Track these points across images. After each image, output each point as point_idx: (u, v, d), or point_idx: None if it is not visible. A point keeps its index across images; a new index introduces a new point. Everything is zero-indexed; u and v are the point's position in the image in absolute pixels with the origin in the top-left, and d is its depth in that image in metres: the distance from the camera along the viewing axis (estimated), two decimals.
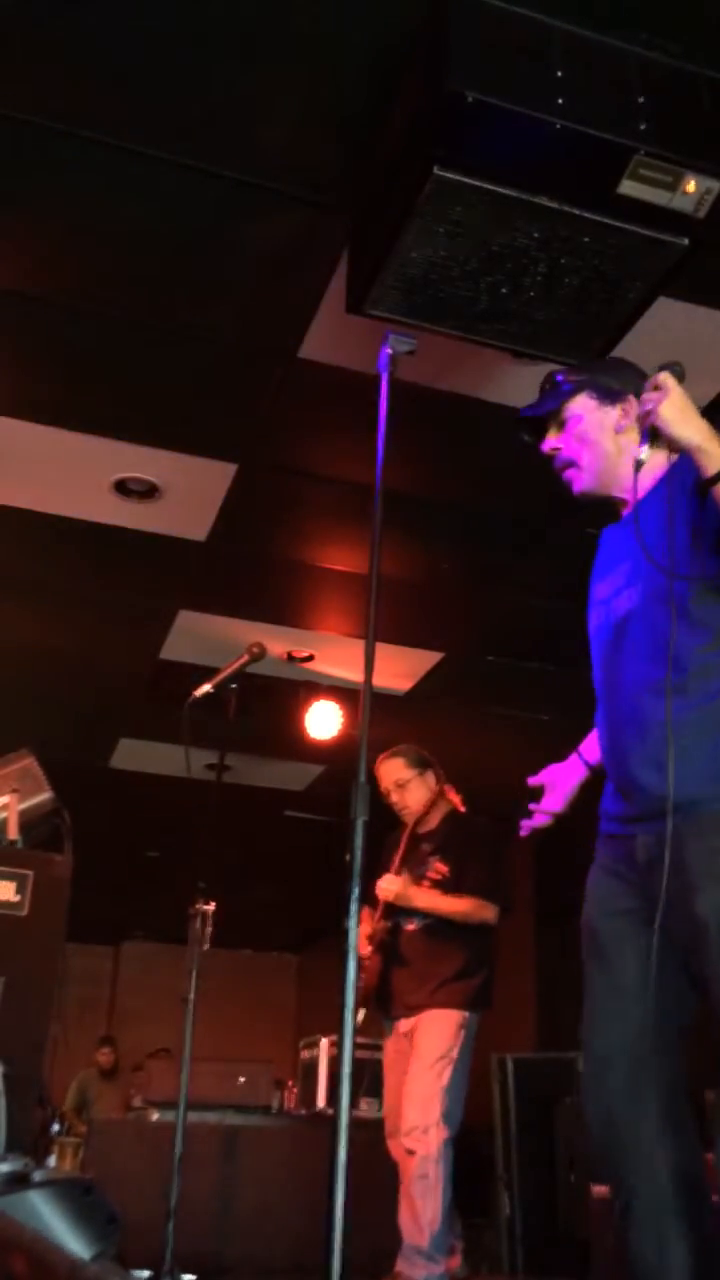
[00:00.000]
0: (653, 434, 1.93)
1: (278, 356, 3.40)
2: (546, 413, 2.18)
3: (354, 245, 2.87)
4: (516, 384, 3.45)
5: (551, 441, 2.18)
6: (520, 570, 4.55)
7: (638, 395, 2.02)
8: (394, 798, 3.85)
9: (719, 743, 1.89)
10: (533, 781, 2.33)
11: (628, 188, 2.35)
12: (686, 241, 2.49)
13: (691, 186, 2.35)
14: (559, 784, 2.32)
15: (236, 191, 2.79)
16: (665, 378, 1.90)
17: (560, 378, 2.18)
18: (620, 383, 2.15)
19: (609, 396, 2.14)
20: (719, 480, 1.84)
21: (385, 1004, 3.75)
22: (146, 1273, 3.18)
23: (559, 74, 2.25)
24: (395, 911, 3.75)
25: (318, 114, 2.59)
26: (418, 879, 3.75)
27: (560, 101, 2.23)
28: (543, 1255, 4.47)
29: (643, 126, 2.29)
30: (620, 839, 2.02)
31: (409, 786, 3.85)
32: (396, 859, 3.78)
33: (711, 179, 2.36)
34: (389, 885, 3.69)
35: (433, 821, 3.86)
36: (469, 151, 2.30)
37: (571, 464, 2.15)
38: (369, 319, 2.79)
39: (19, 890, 3.98)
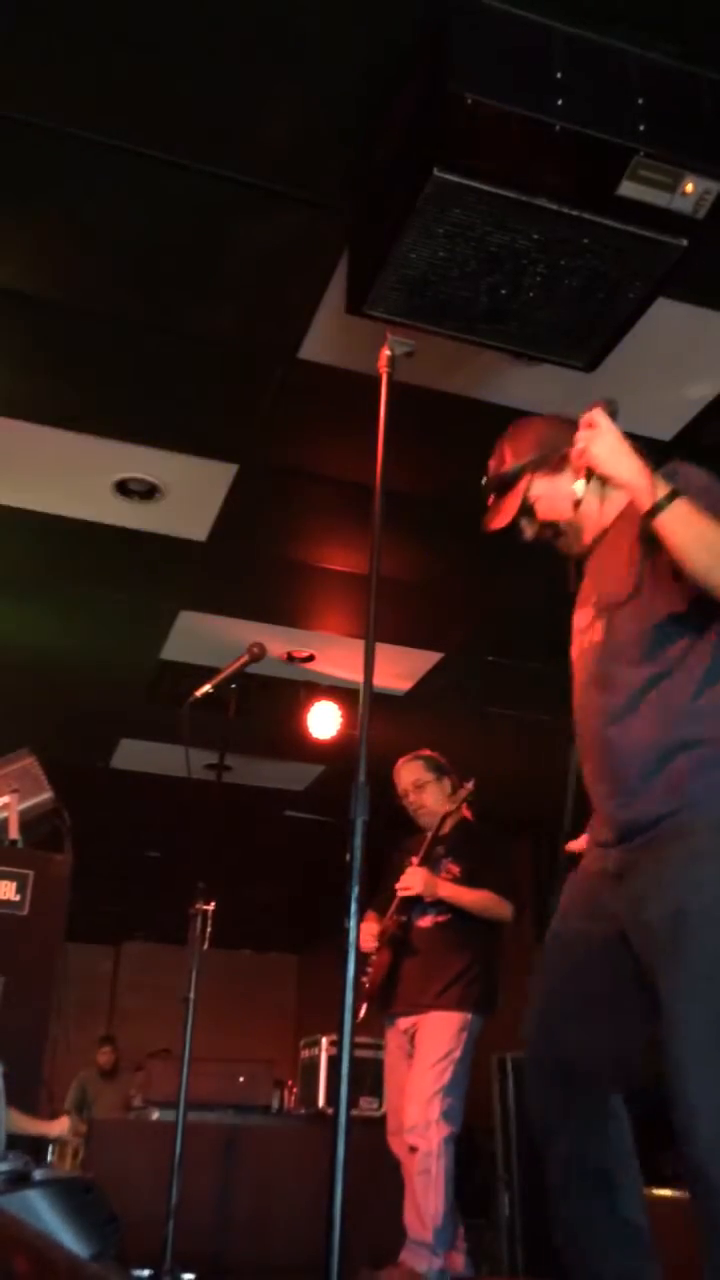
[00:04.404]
0: (588, 471, 1.98)
1: (278, 357, 3.40)
2: (515, 517, 2.23)
3: (354, 245, 2.87)
4: (516, 384, 3.45)
5: (533, 530, 2.25)
6: (520, 570, 4.55)
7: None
8: (411, 798, 3.96)
9: (675, 764, 1.91)
10: (575, 848, 2.30)
11: (627, 189, 2.36)
12: (686, 242, 2.49)
13: (690, 187, 2.36)
14: None
15: (236, 191, 2.79)
16: (598, 415, 1.95)
17: (503, 471, 2.23)
18: (556, 442, 2.18)
19: (553, 465, 2.18)
20: (655, 515, 1.86)
21: (388, 1000, 3.78)
22: (146, 1272, 3.19)
23: (558, 75, 2.25)
24: (410, 906, 3.80)
25: (318, 114, 2.59)
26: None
27: (560, 103, 2.24)
28: (543, 1255, 4.47)
29: (642, 128, 2.29)
30: (598, 852, 2.08)
31: (427, 789, 3.95)
32: (416, 860, 3.84)
33: (711, 180, 2.37)
34: (414, 878, 3.74)
35: (445, 827, 3.93)
36: (468, 153, 2.30)
37: (560, 534, 2.22)
38: (369, 319, 2.80)
39: (19, 890, 3.99)
